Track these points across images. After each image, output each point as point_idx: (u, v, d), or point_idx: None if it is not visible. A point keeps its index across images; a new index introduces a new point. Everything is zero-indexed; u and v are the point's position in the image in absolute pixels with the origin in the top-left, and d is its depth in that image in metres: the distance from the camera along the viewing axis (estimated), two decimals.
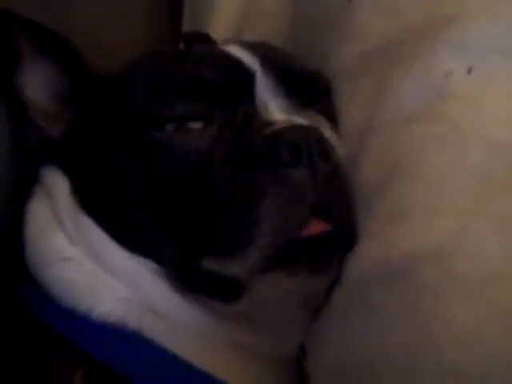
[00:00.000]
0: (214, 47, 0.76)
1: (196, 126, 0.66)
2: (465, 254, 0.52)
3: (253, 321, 0.67)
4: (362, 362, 0.57)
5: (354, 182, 0.64)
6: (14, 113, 0.75)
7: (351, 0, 0.70)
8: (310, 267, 0.62)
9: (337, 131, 0.70)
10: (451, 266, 0.52)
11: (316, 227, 0.61)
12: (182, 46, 0.88)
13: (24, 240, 0.72)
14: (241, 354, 0.67)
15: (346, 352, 0.59)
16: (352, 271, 0.60)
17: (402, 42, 0.64)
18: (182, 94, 0.66)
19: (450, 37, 0.59)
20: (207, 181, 0.63)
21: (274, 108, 0.67)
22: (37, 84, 0.75)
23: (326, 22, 0.74)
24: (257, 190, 0.61)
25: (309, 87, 0.71)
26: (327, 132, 0.67)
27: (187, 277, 0.65)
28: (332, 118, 0.71)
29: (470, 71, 0.57)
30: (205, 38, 0.86)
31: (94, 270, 0.68)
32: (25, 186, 0.75)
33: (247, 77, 0.68)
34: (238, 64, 0.69)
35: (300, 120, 0.66)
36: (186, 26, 1.01)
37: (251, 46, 0.72)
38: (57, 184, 0.72)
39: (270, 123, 0.64)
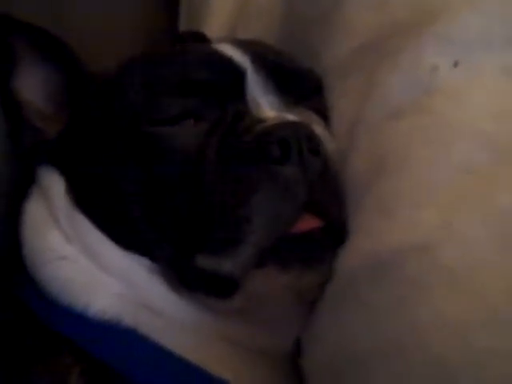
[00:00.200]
0: (206, 46, 0.76)
1: (188, 123, 0.66)
2: (451, 246, 0.52)
3: (248, 316, 0.67)
4: (354, 357, 0.57)
5: (345, 177, 0.64)
6: (10, 114, 0.76)
7: None
8: (302, 263, 0.63)
9: (328, 128, 0.70)
10: (437, 258, 0.52)
11: (307, 223, 0.62)
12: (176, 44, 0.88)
13: (21, 239, 0.72)
14: (236, 350, 0.67)
15: (339, 347, 0.59)
16: (342, 266, 0.61)
17: (391, 36, 0.64)
18: (174, 92, 0.67)
19: (435, 31, 0.60)
20: (199, 178, 0.63)
21: (265, 105, 0.68)
22: (32, 85, 0.76)
23: (318, 18, 0.74)
24: (247, 186, 0.61)
25: (300, 84, 0.71)
26: (318, 128, 0.67)
27: (182, 274, 0.65)
28: (323, 114, 0.71)
29: (455, 64, 0.58)
30: (200, 37, 0.86)
31: (90, 268, 0.68)
32: (22, 186, 0.76)
33: (238, 74, 0.68)
34: (228, 62, 0.69)
35: (291, 117, 0.66)
36: (183, 25, 1.02)
37: (242, 44, 0.72)
38: (53, 184, 0.73)
39: (260, 120, 0.65)
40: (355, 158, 0.63)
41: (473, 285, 0.50)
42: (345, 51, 0.70)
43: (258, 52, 0.71)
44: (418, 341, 0.51)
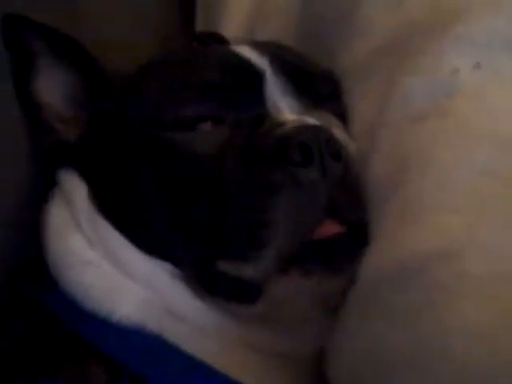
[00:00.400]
0: (224, 48, 0.76)
1: (207, 127, 0.66)
2: (476, 252, 0.52)
3: (270, 322, 0.67)
4: (379, 362, 0.56)
5: (366, 179, 0.64)
6: (30, 116, 0.76)
7: None
8: (324, 268, 0.62)
9: (348, 130, 0.69)
10: (462, 263, 0.52)
11: (329, 228, 0.62)
12: (195, 45, 0.88)
13: (43, 243, 0.73)
14: (258, 356, 0.67)
15: (363, 352, 0.58)
16: (366, 271, 0.60)
17: (410, 37, 0.64)
18: (193, 95, 0.67)
19: (456, 32, 0.59)
20: (219, 182, 0.63)
21: (285, 108, 0.67)
22: (51, 88, 0.76)
23: (336, 19, 0.73)
24: (269, 191, 0.61)
25: (319, 86, 0.71)
26: (338, 131, 0.66)
27: (204, 279, 0.66)
28: (342, 117, 0.71)
29: (477, 67, 0.57)
30: (218, 38, 0.86)
31: (113, 274, 0.68)
32: (44, 190, 0.76)
33: (257, 77, 0.68)
34: (247, 64, 0.69)
35: (310, 120, 0.65)
36: (199, 26, 1.02)
37: (260, 46, 0.72)
38: (74, 187, 0.73)
39: (280, 124, 0.64)
40: (377, 160, 0.63)
41: (498, 292, 0.49)
42: (363, 52, 0.69)
43: (277, 54, 0.71)
44: (443, 347, 0.51)
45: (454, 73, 0.58)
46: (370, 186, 0.63)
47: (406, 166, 0.59)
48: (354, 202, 0.63)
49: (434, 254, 0.54)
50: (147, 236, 0.68)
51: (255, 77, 0.68)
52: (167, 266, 0.67)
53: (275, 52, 0.71)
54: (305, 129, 0.63)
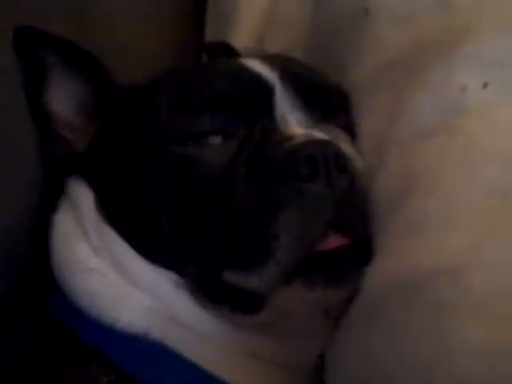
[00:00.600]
0: (234, 61, 0.76)
1: (217, 140, 0.67)
2: (480, 270, 0.52)
3: (273, 331, 0.68)
4: (380, 376, 0.57)
5: (373, 194, 0.64)
6: (40, 125, 0.77)
7: (367, 14, 0.70)
8: (328, 280, 0.63)
9: (355, 145, 0.70)
10: (466, 281, 0.52)
11: (334, 241, 0.62)
12: (204, 56, 0.89)
13: (50, 250, 0.73)
14: (260, 364, 0.68)
15: (364, 365, 0.59)
16: (370, 285, 0.60)
17: (419, 54, 0.64)
18: (204, 109, 0.67)
19: (466, 51, 0.59)
20: (227, 195, 0.64)
21: (293, 122, 0.68)
22: (62, 98, 0.76)
23: (345, 32, 0.74)
24: (275, 204, 0.61)
25: (327, 100, 0.71)
26: (345, 146, 0.67)
27: (209, 289, 0.66)
28: (351, 131, 0.71)
29: (485, 86, 0.57)
30: (227, 49, 0.86)
31: (119, 282, 0.69)
32: (52, 198, 0.76)
33: (267, 91, 0.69)
34: (257, 78, 0.69)
35: (318, 134, 0.66)
36: (209, 35, 1.02)
37: (270, 59, 0.73)
38: (82, 196, 0.74)
39: (288, 137, 0.65)
40: (384, 175, 0.63)
41: (501, 312, 0.50)
42: (373, 67, 0.69)
43: (286, 68, 0.71)
44: (444, 364, 0.51)
45: (463, 90, 0.58)
46: (377, 200, 0.63)
47: (413, 184, 0.59)
48: (360, 215, 0.64)
49: (438, 270, 0.54)
50: (153, 246, 0.69)
51: (265, 91, 0.69)
52: (172, 276, 0.68)
53: (285, 66, 0.72)
54: (312, 143, 0.63)
